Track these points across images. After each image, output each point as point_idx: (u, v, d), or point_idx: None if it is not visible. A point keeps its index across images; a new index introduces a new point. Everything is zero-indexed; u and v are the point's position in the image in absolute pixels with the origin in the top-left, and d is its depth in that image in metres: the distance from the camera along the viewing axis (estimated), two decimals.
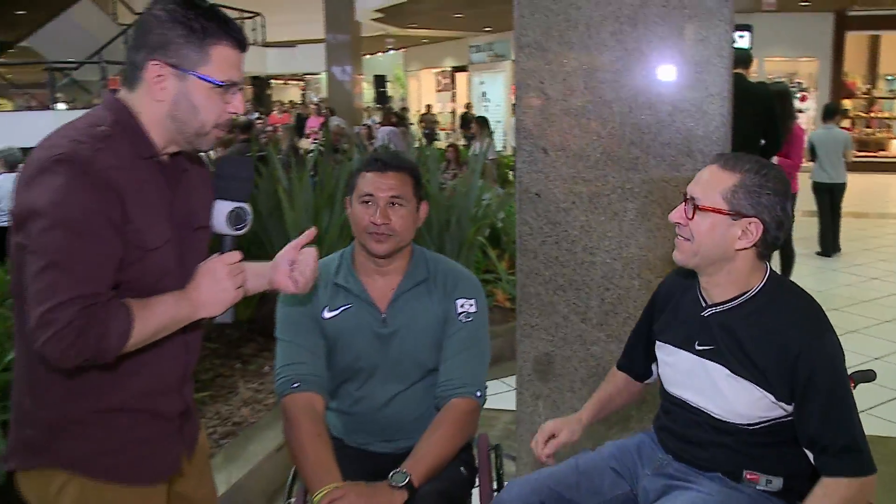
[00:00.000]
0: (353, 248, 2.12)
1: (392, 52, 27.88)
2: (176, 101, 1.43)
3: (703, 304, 1.78)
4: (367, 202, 1.99)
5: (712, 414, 1.75)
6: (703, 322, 1.76)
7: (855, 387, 1.81)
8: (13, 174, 6.83)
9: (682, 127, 2.71)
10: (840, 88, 16.62)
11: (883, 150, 17.32)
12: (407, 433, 2.01)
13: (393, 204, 1.98)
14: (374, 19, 19.33)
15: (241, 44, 1.47)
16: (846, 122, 17.25)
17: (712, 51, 2.66)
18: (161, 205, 1.49)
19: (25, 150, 7.30)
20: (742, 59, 5.38)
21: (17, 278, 1.39)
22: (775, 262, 5.90)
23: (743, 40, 16.45)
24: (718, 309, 1.75)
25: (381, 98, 22.03)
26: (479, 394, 2.02)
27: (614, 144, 2.78)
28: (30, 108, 15.36)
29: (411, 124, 20.06)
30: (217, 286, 1.49)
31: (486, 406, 3.84)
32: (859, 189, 13.49)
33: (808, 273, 6.97)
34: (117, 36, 16.75)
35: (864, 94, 17.90)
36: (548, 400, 3.01)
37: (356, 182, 2.04)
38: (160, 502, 1.59)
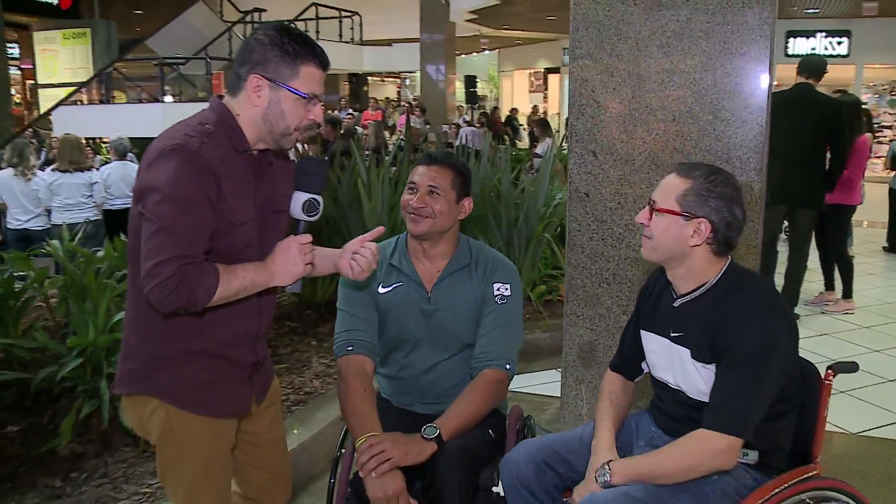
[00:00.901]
0: (407, 235, 2.41)
1: (486, 52, 28.15)
2: (269, 107, 1.77)
3: (674, 297, 2.00)
4: (411, 189, 2.30)
5: (686, 393, 1.98)
6: (676, 312, 1.99)
7: (834, 376, 1.99)
8: (122, 162, 7.42)
9: (722, 135, 2.91)
10: None
11: None
12: (445, 397, 2.29)
13: (431, 192, 2.29)
14: (468, 20, 19.61)
15: (324, 65, 1.81)
16: None
17: (752, 64, 2.85)
18: (248, 190, 1.83)
19: (134, 140, 7.92)
20: (816, 68, 5.42)
21: (135, 241, 1.73)
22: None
23: (841, 46, 16.14)
24: (686, 299, 1.97)
25: (472, 98, 22.32)
26: (508, 366, 2.28)
27: (658, 150, 2.99)
28: (140, 101, 16.23)
29: (521, 125, 20.16)
30: (289, 260, 1.83)
31: (538, 392, 4.13)
32: None
33: (881, 284, 6.94)
34: (223, 33, 17.54)
35: None
36: (589, 385, 3.25)
37: (411, 173, 2.36)
38: (228, 435, 1.92)
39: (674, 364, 1.99)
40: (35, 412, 3.31)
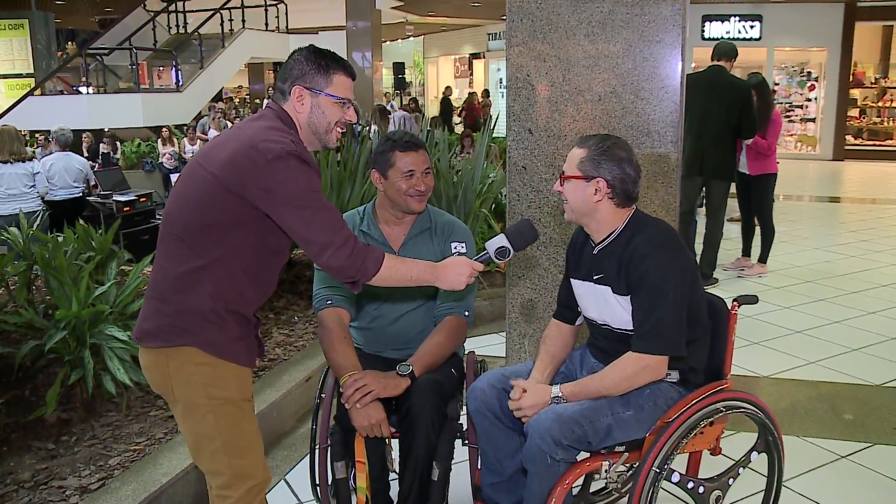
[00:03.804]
0: (373, 205, 2.73)
1: (412, 39, 28.38)
2: (312, 111, 2.10)
3: (592, 245, 2.39)
4: (410, 175, 2.59)
5: (612, 327, 2.36)
6: (595, 258, 2.37)
7: (739, 306, 2.40)
8: (65, 152, 7.50)
9: (642, 112, 3.30)
10: (848, 78, 16.98)
11: (891, 139, 17.59)
12: (411, 343, 2.62)
13: (426, 173, 2.62)
14: (394, 7, 19.82)
15: (352, 75, 2.16)
16: (854, 111, 17.71)
17: (667, 50, 3.24)
18: None
19: (74, 132, 7.99)
20: (725, 52, 5.91)
21: (199, 208, 1.97)
22: (756, 240, 6.49)
23: (753, 30, 16.94)
24: (601, 246, 2.35)
25: (400, 84, 22.59)
26: (467, 313, 2.64)
27: (587, 127, 3.37)
28: (61, 93, 15.96)
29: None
30: (458, 275, 2.19)
31: (483, 353, 4.50)
32: (861, 177, 13.99)
33: (792, 251, 7.53)
34: (147, 22, 17.37)
35: (874, 83, 18.22)
36: (532, 339, 3.62)
37: (392, 160, 2.61)
38: (248, 381, 2.15)
39: (599, 302, 2.36)
40: (15, 386, 3.52)
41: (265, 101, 2.12)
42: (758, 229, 6.69)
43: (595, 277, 2.36)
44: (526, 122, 3.46)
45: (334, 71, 2.11)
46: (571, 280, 2.49)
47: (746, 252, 6.83)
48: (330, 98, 2.10)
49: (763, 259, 6.66)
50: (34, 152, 10.83)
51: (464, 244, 2.67)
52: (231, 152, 1.97)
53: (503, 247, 2.25)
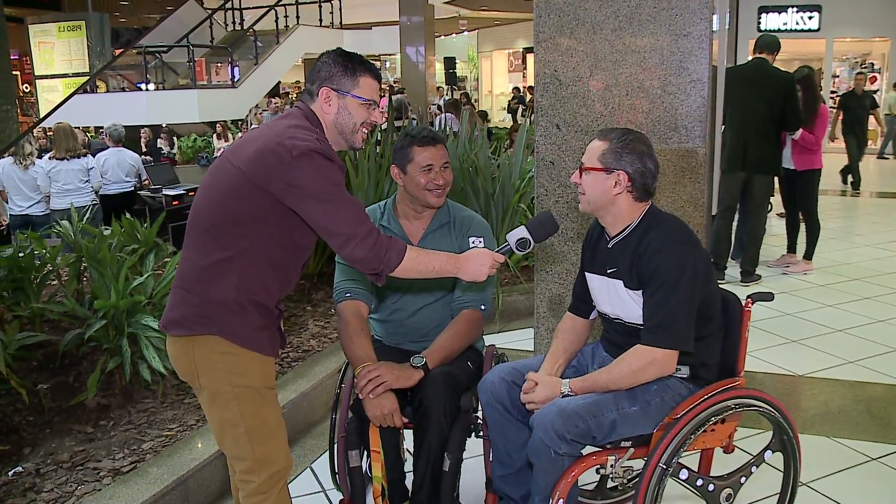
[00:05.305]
0: (393, 200, 2.78)
1: (466, 33, 28.38)
2: (338, 112, 2.17)
3: (607, 239, 2.40)
4: (428, 169, 2.63)
5: (624, 321, 2.37)
6: (609, 252, 2.38)
7: (753, 304, 2.38)
8: (117, 148, 7.72)
9: (670, 107, 3.28)
10: None
11: None
12: (429, 336, 2.66)
13: (444, 168, 2.66)
14: (446, 2, 19.89)
15: (377, 77, 2.22)
16: None
17: (695, 43, 3.22)
18: None
19: (127, 128, 8.22)
20: (767, 44, 5.82)
21: (219, 205, 2.05)
22: (802, 236, 6.38)
23: (812, 21, 16.54)
24: (616, 240, 2.36)
25: (451, 79, 22.65)
26: (483, 307, 2.67)
27: (614, 121, 3.36)
28: (123, 90, 16.44)
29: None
30: (480, 266, 2.23)
31: (516, 347, 4.52)
32: None
33: (841, 247, 7.36)
34: (204, 20, 17.70)
35: None
36: None
37: (410, 154, 2.66)
38: (271, 370, 2.22)
39: (611, 296, 2.38)
40: (60, 373, 3.67)
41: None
42: (803, 225, 6.57)
43: (609, 271, 2.37)
44: (553, 118, 3.48)
45: (361, 73, 2.17)
46: (586, 273, 2.51)
47: (792, 249, 6.70)
48: (356, 100, 2.16)
49: (808, 256, 6.53)
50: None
51: (482, 239, 2.71)
52: (258, 149, 2.04)
53: (523, 238, 2.28)
